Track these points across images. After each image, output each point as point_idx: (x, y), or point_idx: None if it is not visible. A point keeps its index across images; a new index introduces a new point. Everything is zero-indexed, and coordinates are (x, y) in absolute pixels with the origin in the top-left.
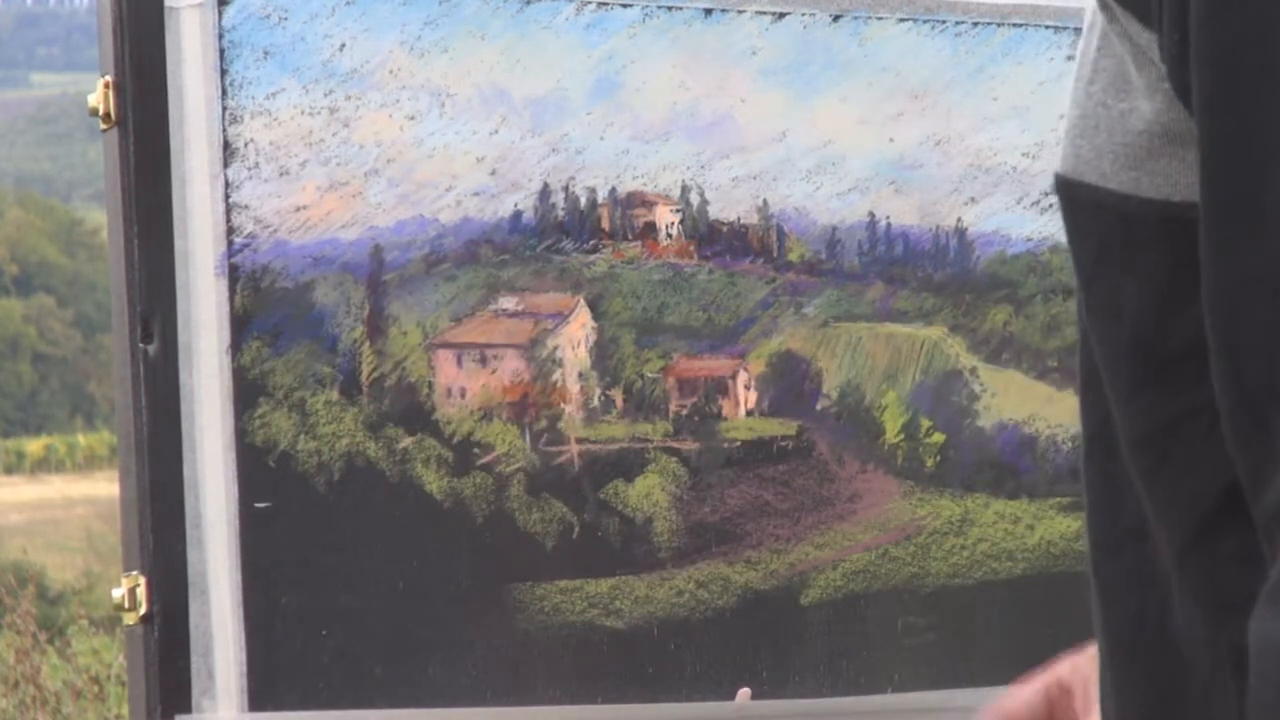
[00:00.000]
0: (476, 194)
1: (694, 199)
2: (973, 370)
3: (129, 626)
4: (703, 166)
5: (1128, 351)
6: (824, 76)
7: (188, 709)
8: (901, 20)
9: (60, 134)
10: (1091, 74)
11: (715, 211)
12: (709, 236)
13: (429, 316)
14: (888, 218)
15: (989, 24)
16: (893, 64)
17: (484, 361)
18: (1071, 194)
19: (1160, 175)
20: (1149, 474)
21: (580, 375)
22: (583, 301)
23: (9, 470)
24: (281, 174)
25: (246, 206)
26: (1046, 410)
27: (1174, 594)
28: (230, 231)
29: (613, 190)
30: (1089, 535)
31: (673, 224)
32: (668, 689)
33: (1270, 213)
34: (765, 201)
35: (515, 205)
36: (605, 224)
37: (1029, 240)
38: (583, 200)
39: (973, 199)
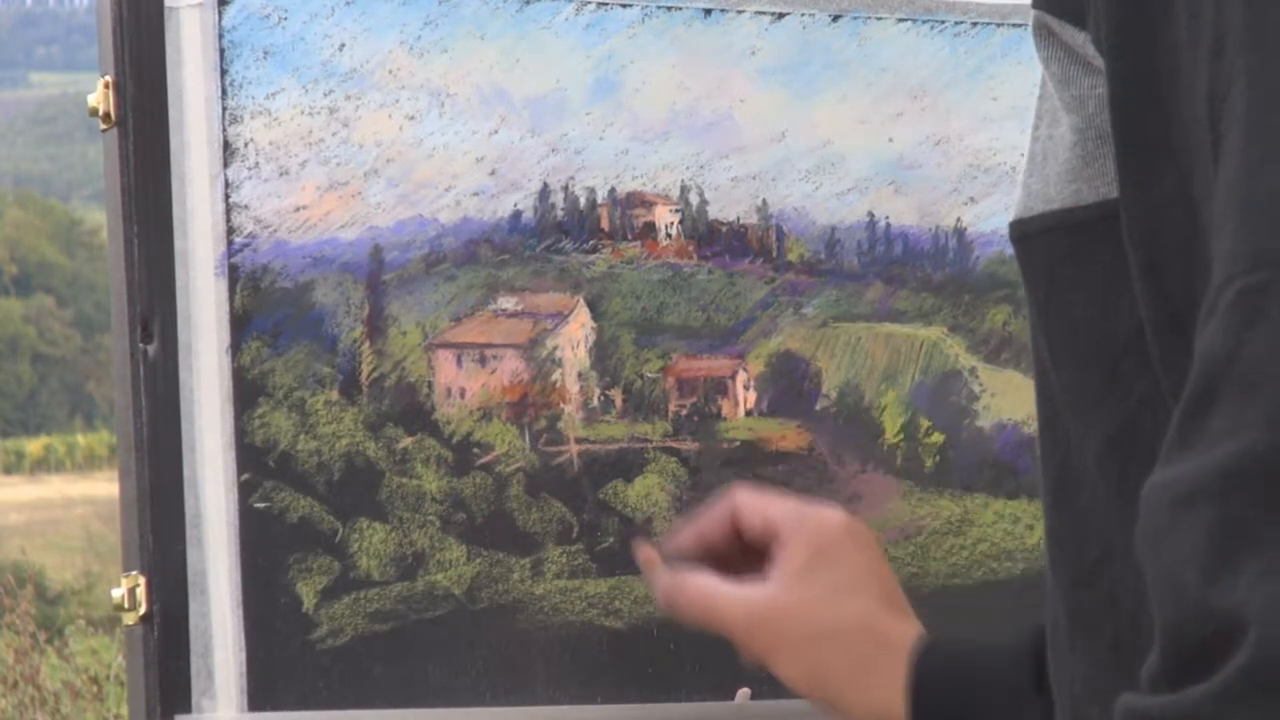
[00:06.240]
0: (476, 194)
1: (693, 199)
2: (972, 370)
3: (128, 626)
4: (702, 166)
5: (1087, 364)
6: (823, 76)
7: (187, 709)
8: (901, 20)
9: (60, 134)
10: (1035, 122)
11: (715, 211)
12: (708, 236)
13: (429, 316)
14: (887, 218)
15: (989, 24)
16: (892, 64)
17: (483, 361)
18: (1024, 231)
19: (1097, 178)
20: (1119, 480)
21: (580, 375)
22: (582, 301)
23: (9, 470)
24: (281, 174)
25: (246, 206)
26: None
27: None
28: (230, 231)
29: (612, 190)
30: (1061, 576)
31: (672, 224)
32: (668, 689)
33: (1176, 140)
34: (765, 201)
35: (515, 205)
36: (605, 224)
37: None
38: (582, 200)
39: (972, 199)
